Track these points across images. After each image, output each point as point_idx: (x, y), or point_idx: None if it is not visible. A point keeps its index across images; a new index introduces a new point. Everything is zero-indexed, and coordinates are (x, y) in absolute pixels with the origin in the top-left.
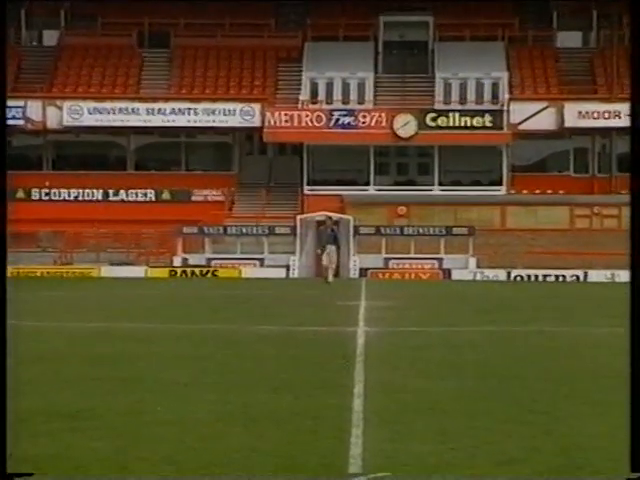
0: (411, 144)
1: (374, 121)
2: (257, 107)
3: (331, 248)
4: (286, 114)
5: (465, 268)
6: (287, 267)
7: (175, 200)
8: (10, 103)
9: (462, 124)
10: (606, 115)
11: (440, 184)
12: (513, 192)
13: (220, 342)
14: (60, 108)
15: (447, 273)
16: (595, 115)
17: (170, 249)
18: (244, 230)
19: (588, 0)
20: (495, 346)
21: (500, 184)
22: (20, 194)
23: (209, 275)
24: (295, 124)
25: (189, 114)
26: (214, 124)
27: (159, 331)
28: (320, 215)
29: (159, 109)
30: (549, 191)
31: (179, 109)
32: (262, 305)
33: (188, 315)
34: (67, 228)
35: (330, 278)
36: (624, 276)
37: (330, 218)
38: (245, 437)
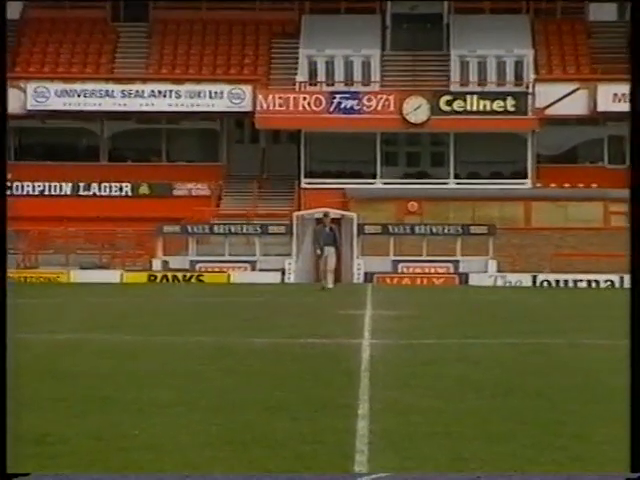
0: (423, 131)
1: (381, 105)
2: (248, 89)
3: (329, 250)
4: (281, 97)
5: (484, 272)
6: (282, 271)
7: (155, 195)
8: None
9: (481, 108)
10: None
11: (456, 177)
12: (539, 186)
13: (206, 356)
14: (23, 90)
15: (464, 278)
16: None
17: (149, 251)
18: (233, 229)
19: None
20: (518, 361)
21: (524, 177)
22: None
23: (193, 280)
24: (291, 108)
25: (170, 97)
26: (199, 108)
27: (137, 344)
28: (320, 212)
29: (136, 91)
30: (580, 184)
31: (159, 91)
32: (254, 314)
33: (170, 326)
34: (31, 227)
35: (329, 284)
36: None
37: (327, 215)
38: (235, 464)
